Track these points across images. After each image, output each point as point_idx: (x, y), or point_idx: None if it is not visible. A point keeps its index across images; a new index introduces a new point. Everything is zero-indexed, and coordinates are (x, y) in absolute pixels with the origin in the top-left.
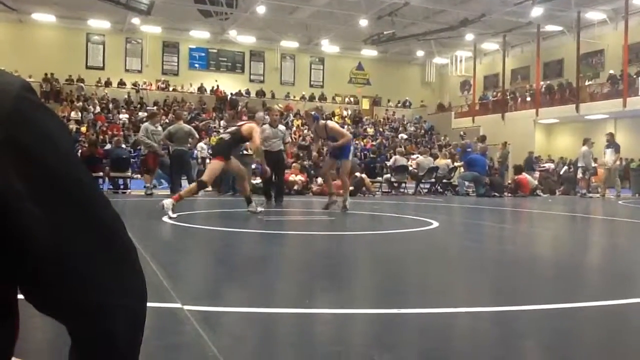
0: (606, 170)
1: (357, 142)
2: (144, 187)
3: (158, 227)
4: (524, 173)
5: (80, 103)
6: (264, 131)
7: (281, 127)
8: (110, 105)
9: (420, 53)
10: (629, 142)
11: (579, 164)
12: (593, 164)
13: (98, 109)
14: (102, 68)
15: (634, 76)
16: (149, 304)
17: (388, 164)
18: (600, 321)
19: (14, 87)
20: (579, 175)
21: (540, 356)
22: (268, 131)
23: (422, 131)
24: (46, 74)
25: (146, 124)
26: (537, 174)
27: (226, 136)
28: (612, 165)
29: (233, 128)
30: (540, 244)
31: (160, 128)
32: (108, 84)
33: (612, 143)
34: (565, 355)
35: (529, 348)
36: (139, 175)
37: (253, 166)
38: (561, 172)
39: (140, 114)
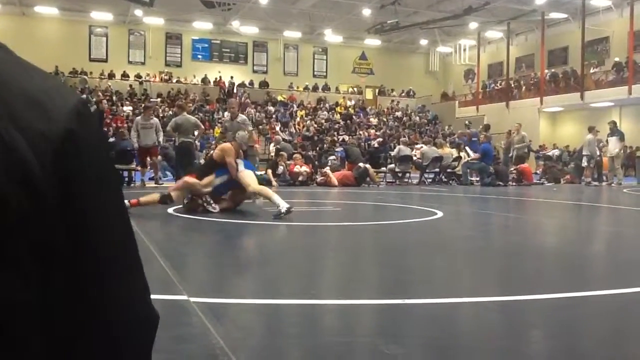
0: (610, 159)
1: (360, 132)
2: (140, 179)
3: (163, 219)
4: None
5: (84, 96)
6: (225, 123)
7: (241, 117)
8: (114, 98)
9: (423, 42)
10: (634, 129)
11: (584, 152)
12: (598, 152)
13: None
14: (106, 60)
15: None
16: (155, 296)
17: (392, 154)
18: (607, 310)
19: (65, 111)
20: (584, 163)
21: (546, 345)
22: (227, 123)
23: (426, 120)
24: (57, 67)
25: (137, 117)
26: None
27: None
28: (616, 153)
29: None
30: (545, 233)
31: (152, 121)
32: (111, 76)
33: (615, 131)
34: (570, 345)
35: (534, 337)
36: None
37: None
38: (566, 161)
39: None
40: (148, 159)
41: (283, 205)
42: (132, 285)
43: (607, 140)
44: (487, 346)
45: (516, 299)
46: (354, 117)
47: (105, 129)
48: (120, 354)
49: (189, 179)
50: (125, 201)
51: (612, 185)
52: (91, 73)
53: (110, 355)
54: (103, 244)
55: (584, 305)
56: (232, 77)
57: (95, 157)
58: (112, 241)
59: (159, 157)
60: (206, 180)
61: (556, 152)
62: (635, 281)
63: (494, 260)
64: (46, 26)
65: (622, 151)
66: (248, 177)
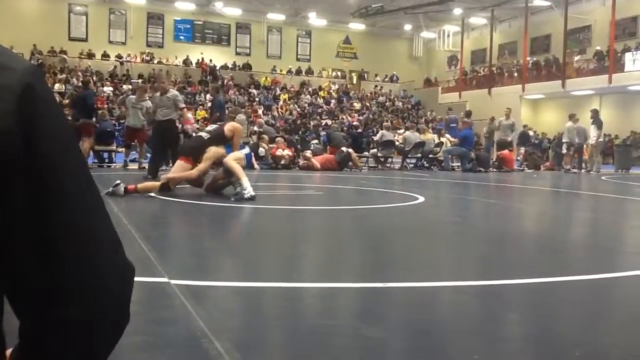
0: (590, 147)
1: (343, 116)
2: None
3: (144, 201)
4: (522, 147)
5: (64, 75)
6: (154, 99)
7: (172, 92)
8: (94, 78)
9: (408, 27)
10: (614, 118)
11: (564, 140)
12: (577, 140)
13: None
14: (85, 40)
15: (619, 54)
16: (136, 278)
17: (375, 138)
18: (583, 295)
19: (22, 69)
20: (564, 150)
21: (524, 329)
22: (155, 99)
23: (409, 106)
24: (35, 46)
25: (131, 96)
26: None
27: (205, 135)
28: (595, 141)
29: (214, 127)
30: (524, 219)
31: (144, 102)
32: (91, 56)
33: (595, 119)
34: (548, 328)
35: (512, 321)
36: (123, 149)
37: None
38: (546, 148)
39: (124, 86)
40: (135, 141)
41: (249, 191)
42: (92, 217)
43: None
44: (466, 329)
45: (495, 284)
46: (338, 101)
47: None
48: (79, 290)
49: (199, 169)
50: (122, 186)
51: (591, 172)
52: (67, 52)
53: (68, 288)
54: (61, 180)
55: (562, 290)
56: (211, 60)
57: (52, 108)
58: (70, 179)
59: None
60: (214, 150)
61: (528, 131)
62: (611, 267)
63: (473, 245)
64: (24, 4)
65: (600, 139)
66: (239, 159)
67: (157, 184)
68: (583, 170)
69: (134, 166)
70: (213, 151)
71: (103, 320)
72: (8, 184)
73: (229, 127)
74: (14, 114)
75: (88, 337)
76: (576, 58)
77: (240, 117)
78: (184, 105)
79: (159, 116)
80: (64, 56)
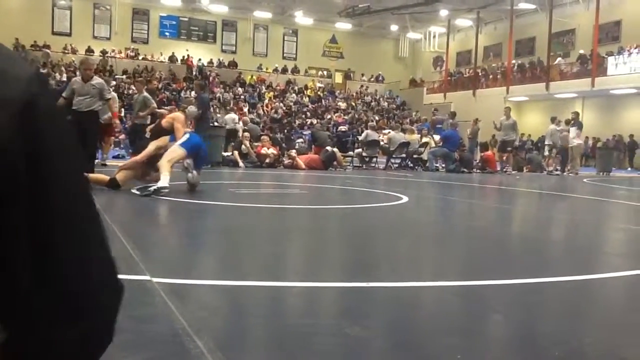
0: (570, 149)
1: (329, 116)
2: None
3: (126, 198)
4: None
5: (47, 70)
6: (73, 85)
7: (96, 80)
8: (77, 73)
9: (394, 27)
10: (596, 121)
11: (546, 142)
12: (559, 142)
13: (65, 76)
14: (69, 34)
15: (604, 56)
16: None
17: (360, 138)
18: (565, 295)
19: (27, 78)
20: (546, 152)
21: (506, 328)
22: (75, 85)
23: (394, 106)
24: (17, 40)
25: None
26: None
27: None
28: (576, 143)
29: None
30: (506, 220)
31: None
32: (75, 51)
33: (576, 122)
34: (529, 328)
35: (495, 321)
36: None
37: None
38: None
39: (112, 82)
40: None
41: (161, 185)
42: (92, 239)
43: (569, 131)
44: (449, 329)
45: (478, 284)
46: (323, 100)
47: None
48: (79, 311)
49: (145, 152)
50: None
51: (571, 174)
52: (50, 46)
53: (69, 309)
54: (64, 201)
55: (543, 291)
56: (200, 60)
57: (57, 120)
58: (73, 199)
59: (122, 136)
60: (160, 141)
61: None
62: (592, 268)
63: (456, 246)
64: None
65: (582, 141)
66: (172, 152)
67: (106, 178)
68: (565, 173)
69: (115, 162)
70: (155, 144)
71: (93, 337)
72: (7, 201)
73: (167, 119)
74: (15, 130)
75: (77, 352)
76: (557, 60)
77: (192, 109)
78: (110, 96)
79: (80, 106)
80: (48, 51)
